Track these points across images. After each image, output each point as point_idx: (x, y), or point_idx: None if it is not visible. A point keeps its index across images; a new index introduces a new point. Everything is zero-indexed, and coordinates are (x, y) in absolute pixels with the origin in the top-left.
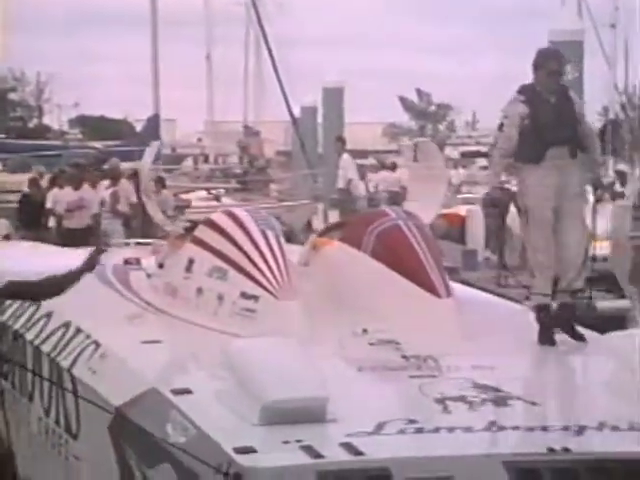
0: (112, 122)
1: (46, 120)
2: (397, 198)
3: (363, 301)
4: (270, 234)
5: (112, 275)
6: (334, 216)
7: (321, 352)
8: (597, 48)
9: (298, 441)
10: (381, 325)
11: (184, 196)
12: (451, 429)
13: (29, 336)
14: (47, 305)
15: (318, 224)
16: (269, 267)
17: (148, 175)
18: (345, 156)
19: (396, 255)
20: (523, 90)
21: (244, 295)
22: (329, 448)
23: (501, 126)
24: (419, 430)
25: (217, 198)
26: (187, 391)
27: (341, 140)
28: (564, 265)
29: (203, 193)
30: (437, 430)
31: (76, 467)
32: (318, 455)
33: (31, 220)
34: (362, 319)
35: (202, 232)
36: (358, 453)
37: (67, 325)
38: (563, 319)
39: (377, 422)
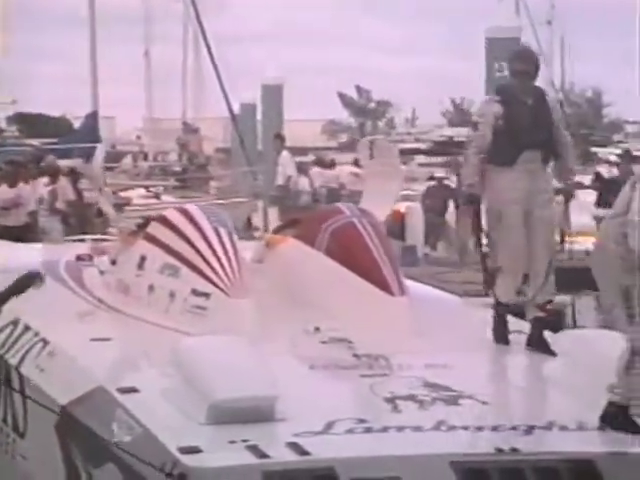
0: (50, 119)
1: None
2: (335, 195)
3: (316, 299)
4: (223, 231)
5: (65, 272)
6: (274, 213)
7: (272, 350)
8: (534, 45)
9: (244, 441)
10: (334, 323)
11: (123, 194)
12: (400, 428)
13: None
14: (12, 311)
15: (258, 221)
16: (221, 264)
17: (101, 173)
18: (284, 153)
19: (350, 253)
20: (500, 90)
21: (195, 292)
22: (275, 448)
23: (475, 125)
24: (367, 430)
25: (157, 196)
26: (134, 390)
27: (280, 137)
28: (532, 276)
29: (142, 191)
30: (386, 430)
31: (23, 466)
32: (264, 455)
33: None
34: (315, 317)
35: (154, 229)
36: (304, 453)
37: (16, 322)
38: (535, 336)
39: (326, 422)
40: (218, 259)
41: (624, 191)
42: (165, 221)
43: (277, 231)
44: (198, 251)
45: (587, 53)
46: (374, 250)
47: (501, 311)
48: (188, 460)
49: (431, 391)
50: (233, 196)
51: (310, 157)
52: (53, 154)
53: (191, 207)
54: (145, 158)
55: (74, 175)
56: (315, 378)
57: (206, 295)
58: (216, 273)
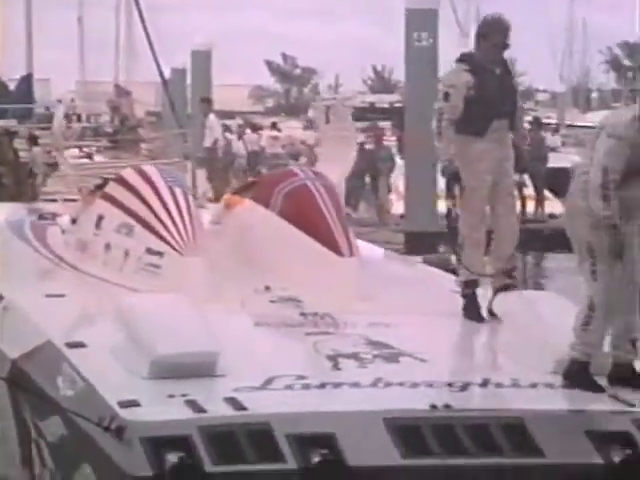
0: None
1: None
2: (257, 157)
3: (268, 259)
4: (178, 191)
5: (29, 230)
6: (201, 174)
7: (222, 308)
8: (451, 15)
9: (184, 395)
10: (284, 283)
11: (57, 153)
12: (338, 385)
13: None
14: None
15: (187, 182)
16: (174, 224)
17: (60, 133)
18: (211, 116)
19: (302, 214)
20: (466, 59)
21: (149, 251)
22: (213, 403)
23: (446, 96)
24: (306, 386)
25: (89, 156)
26: (81, 345)
27: (207, 101)
28: (499, 245)
29: (75, 151)
30: (324, 386)
31: None
32: (201, 410)
33: None
34: (266, 277)
35: (112, 189)
36: (241, 408)
37: None
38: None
39: (265, 378)
40: (172, 218)
41: (588, 148)
42: (122, 181)
43: (235, 193)
44: (153, 210)
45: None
46: (326, 212)
47: (469, 288)
48: (126, 414)
49: (372, 349)
50: (163, 157)
51: (238, 121)
52: None
53: (148, 168)
54: (78, 119)
55: (9, 135)
56: (260, 335)
57: (160, 254)
58: (170, 232)
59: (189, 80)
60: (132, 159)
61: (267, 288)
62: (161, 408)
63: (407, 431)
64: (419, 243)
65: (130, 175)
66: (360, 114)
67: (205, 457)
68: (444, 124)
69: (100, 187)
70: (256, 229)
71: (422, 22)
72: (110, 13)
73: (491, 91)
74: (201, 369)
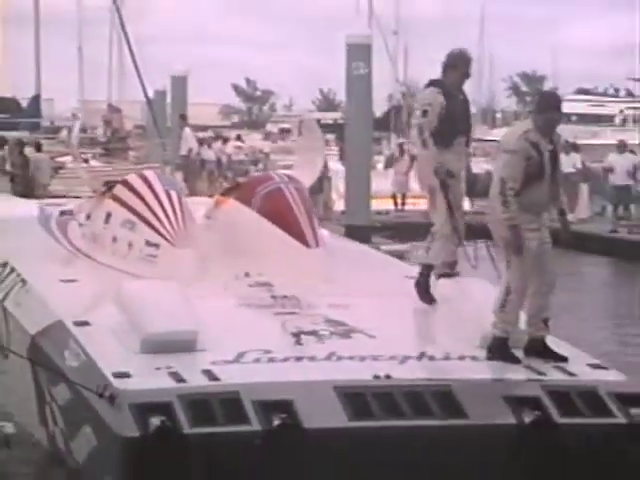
0: (3, 100)
1: None
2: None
3: (248, 250)
4: (173, 193)
5: (54, 224)
6: (179, 176)
7: (206, 291)
8: (383, 49)
9: (168, 367)
10: (260, 270)
11: (60, 159)
12: (298, 358)
13: None
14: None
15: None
16: (169, 220)
17: (77, 143)
18: (187, 130)
19: (277, 212)
20: (437, 85)
21: (148, 243)
22: (192, 374)
23: (425, 112)
24: (271, 359)
25: (86, 161)
26: (86, 323)
27: (183, 117)
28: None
29: (70, 159)
30: (286, 359)
31: (5, 381)
32: (181, 380)
33: None
34: (246, 265)
35: (119, 190)
36: (215, 379)
37: (5, 265)
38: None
39: (238, 352)
40: (167, 216)
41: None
42: (127, 184)
43: (223, 194)
44: (151, 209)
45: (424, 56)
46: (296, 210)
47: (425, 272)
48: (118, 383)
49: (330, 327)
50: (147, 163)
51: (209, 133)
52: (5, 127)
53: (149, 173)
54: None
55: (21, 144)
56: (237, 315)
57: (156, 245)
58: (164, 227)
59: (169, 99)
60: (121, 164)
61: (246, 274)
62: (148, 379)
63: (353, 398)
64: (356, 235)
65: (134, 179)
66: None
67: (183, 420)
68: (426, 135)
69: (110, 189)
70: (239, 224)
71: (359, 54)
72: (104, 44)
73: (456, 112)
74: (183, 345)
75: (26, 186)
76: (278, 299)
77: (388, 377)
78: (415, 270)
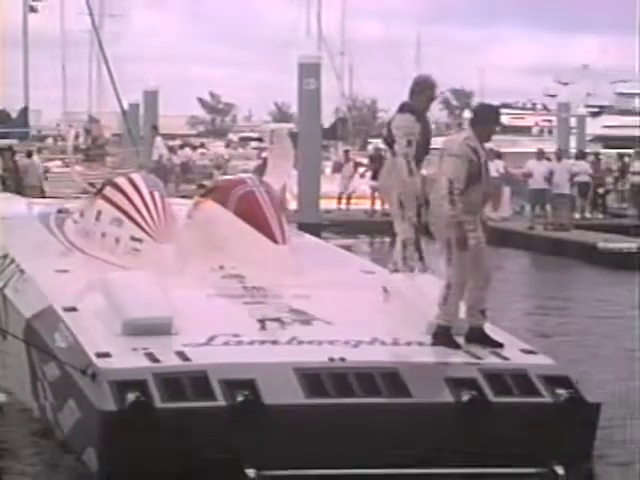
0: None
1: None
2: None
3: (223, 245)
4: (156, 194)
5: (53, 220)
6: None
7: (183, 282)
8: (331, 68)
9: (145, 349)
10: (233, 263)
11: (46, 164)
12: (262, 342)
13: None
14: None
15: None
16: (152, 218)
17: (72, 150)
18: (158, 138)
19: (249, 212)
20: (410, 110)
21: (133, 238)
22: (166, 355)
23: (410, 143)
24: (239, 343)
25: (68, 165)
26: (74, 309)
27: (155, 128)
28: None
29: (59, 162)
30: (252, 343)
31: (3, 359)
32: (156, 360)
33: None
34: (221, 259)
35: (108, 191)
36: (186, 359)
37: (6, 256)
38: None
39: (209, 336)
40: (150, 214)
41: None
42: (115, 185)
43: (202, 195)
44: (136, 208)
45: (366, 74)
46: (266, 211)
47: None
48: (100, 362)
49: (292, 315)
50: (123, 168)
51: (177, 141)
52: None
53: (135, 176)
54: (62, 139)
55: (11, 151)
56: (210, 303)
57: (140, 240)
58: (148, 224)
59: (142, 111)
60: (101, 169)
61: (221, 267)
62: (126, 358)
63: (310, 378)
64: (307, 231)
65: (121, 181)
66: (266, 136)
67: (156, 396)
68: (413, 164)
69: (101, 189)
70: (215, 223)
71: (310, 72)
72: (85, 62)
73: (426, 134)
74: (159, 329)
75: (16, 188)
76: (248, 289)
77: (342, 360)
78: (369, 264)
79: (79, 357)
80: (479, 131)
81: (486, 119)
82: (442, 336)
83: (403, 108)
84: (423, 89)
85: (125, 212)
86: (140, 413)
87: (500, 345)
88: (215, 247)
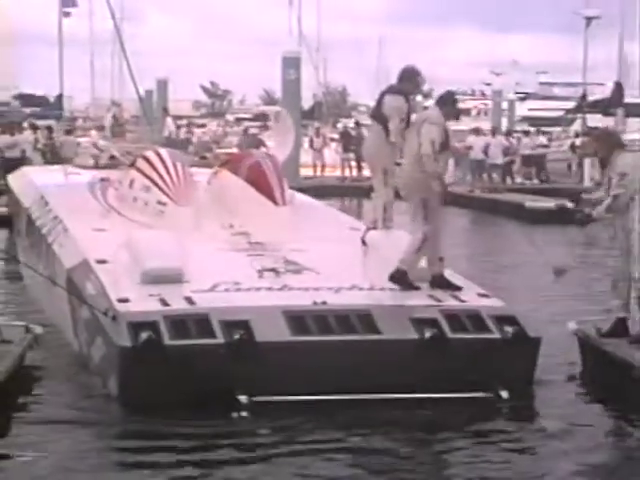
0: (36, 97)
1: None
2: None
3: (234, 207)
4: (178, 165)
5: (97, 188)
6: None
7: (199, 238)
8: (309, 60)
9: (158, 295)
10: (241, 222)
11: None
12: (258, 289)
13: (38, 222)
14: (51, 204)
15: None
16: (174, 185)
17: (109, 128)
18: (168, 119)
19: (256, 179)
20: (399, 92)
21: (158, 202)
22: (176, 300)
23: (402, 120)
24: (238, 289)
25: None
26: (105, 261)
27: (165, 110)
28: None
29: (88, 138)
30: (249, 290)
31: (53, 302)
32: (166, 304)
33: None
34: (231, 219)
35: (139, 162)
36: (192, 303)
37: (56, 217)
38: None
39: (213, 283)
40: (173, 182)
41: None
42: (145, 158)
43: (220, 165)
44: (161, 176)
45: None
46: (270, 178)
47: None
48: (119, 306)
49: (287, 265)
50: (141, 142)
51: (184, 121)
52: (40, 117)
53: (162, 150)
54: (90, 120)
55: (50, 129)
56: (218, 256)
57: (164, 204)
58: (170, 190)
59: (155, 97)
60: (121, 143)
61: (231, 226)
62: (142, 303)
63: (296, 319)
64: None
65: (150, 155)
66: (258, 117)
67: (165, 335)
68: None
69: (134, 162)
70: (228, 188)
71: (291, 64)
72: (108, 57)
73: (409, 114)
74: (171, 278)
75: (53, 159)
76: (251, 244)
77: (324, 303)
78: (356, 222)
79: (104, 302)
80: (445, 111)
81: (450, 101)
82: (400, 279)
83: (392, 90)
84: (411, 76)
85: (152, 180)
86: (151, 349)
87: (459, 288)
88: (227, 209)
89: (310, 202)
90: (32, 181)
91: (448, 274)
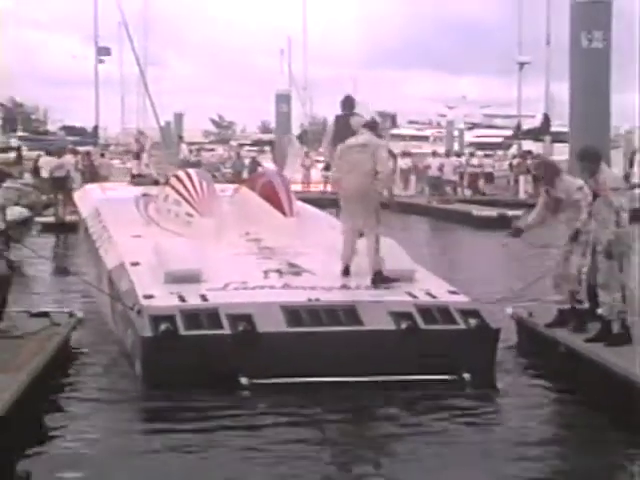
0: (78, 128)
1: (49, 127)
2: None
3: (250, 218)
4: (204, 182)
5: (141, 201)
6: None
7: (218, 246)
8: (297, 97)
9: (177, 292)
10: (255, 231)
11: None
12: (262, 287)
13: (91, 230)
14: (102, 215)
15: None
16: (200, 199)
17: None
18: (183, 145)
19: (269, 194)
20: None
21: (187, 214)
22: (192, 297)
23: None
24: (245, 288)
25: (124, 162)
26: (137, 264)
27: (180, 137)
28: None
29: (118, 161)
30: (254, 288)
31: (101, 297)
32: (183, 300)
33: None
34: (247, 228)
35: (172, 180)
36: (205, 300)
37: (104, 227)
38: None
39: (225, 283)
40: (199, 197)
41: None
42: (177, 176)
43: (240, 183)
44: (189, 192)
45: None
46: (280, 192)
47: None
48: (144, 302)
49: (289, 268)
50: (161, 164)
51: (195, 147)
52: (80, 144)
53: (191, 170)
54: (121, 146)
55: (88, 153)
56: (232, 259)
57: (191, 215)
58: (197, 204)
59: (172, 127)
60: (146, 164)
61: (247, 233)
62: (163, 299)
63: (292, 313)
64: None
65: (181, 173)
66: (256, 143)
67: (180, 326)
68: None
69: (167, 180)
70: (246, 202)
71: (283, 100)
72: (134, 95)
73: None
74: (191, 278)
75: (91, 178)
76: (262, 249)
77: (317, 300)
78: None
79: (132, 298)
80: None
81: (376, 126)
82: (380, 279)
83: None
84: (351, 107)
85: (182, 195)
86: (168, 338)
87: (396, 280)
88: (244, 219)
89: (315, 213)
90: (90, 196)
91: (423, 274)
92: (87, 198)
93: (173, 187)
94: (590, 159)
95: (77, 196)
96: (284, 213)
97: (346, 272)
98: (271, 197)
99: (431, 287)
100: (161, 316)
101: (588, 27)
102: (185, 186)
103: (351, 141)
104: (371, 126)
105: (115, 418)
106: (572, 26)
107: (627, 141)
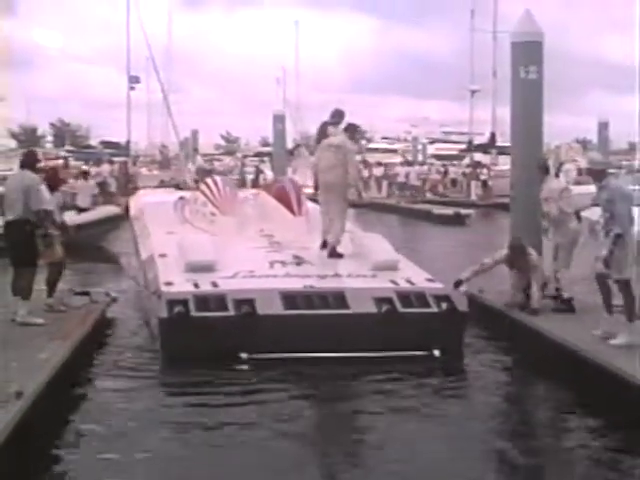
0: (114, 142)
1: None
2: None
3: (265, 217)
4: (228, 188)
5: (178, 204)
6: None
7: (236, 241)
8: (291, 118)
9: (193, 280)
10: (269, 228)
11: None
12: (267, 276)
13: (135, 227)
14: (144, 216)
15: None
16: (222, 201)
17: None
18: (198, 156)
19: (281, 197)
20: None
21: (211, 213)
22: (205, 284)
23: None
24: (252, 276)
25: (151, 171)
26: (165, 255)
27: (195, 150)
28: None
29: (145, 169)
30: (260, 277)
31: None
32: (197, 286)
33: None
34: (262, 225)
35: (202, 186)
36: (215, 286)
37: (145, 225)
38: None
39: (234, 272)
40: (222, 199)
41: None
42: (206, 183)
43: (258, 188)
44: (214, 195)
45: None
46: (291, 195)
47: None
48: (165, 288)
49: (293, 259)
50: (181, 172)
51: (207, 158)
52: (114, 155)
53: (218, 177)
54: (147, 156)
55: (125, 163)
56: (245, 252)
57: (214, 214)
58: (220, 204)
59: (190, 141)
60: (167, 172)
61: (261, 230)
62: (180, 286)
63: (289, 298)
64: None
65: (209, 181)
66: (256, 155)
67: (192, 309)
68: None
69: (198, 185)
70: (263, 204)
71: (279, 120)
72: (159, 116)
73: None
74: (207, 268)
75: (125, 184)
76: (272, 244)
77: (312, 287)
78: (350, 225)
79: (155, 285)
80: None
81: (354, 129)
82: (335, 253)
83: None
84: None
85: (208, 197)
86: (181, 319)
87: (341, 255)
88: (261, 218)
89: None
90: (139, 198)
91: (405, 264)
92: (137, 200)
93: (202, 191)
94: (540, 170)
95: (132, 198)
96: (293, 212)
97: (324, 245)
98: (283, 199)
99: (411, 275)
100: (176, 300)
101: (525, 62)
102: (211, 190)
103: (329, 140)
104: (350, 129)
105: (134, 386)
106: (513, 61)
107: (555, 154)
